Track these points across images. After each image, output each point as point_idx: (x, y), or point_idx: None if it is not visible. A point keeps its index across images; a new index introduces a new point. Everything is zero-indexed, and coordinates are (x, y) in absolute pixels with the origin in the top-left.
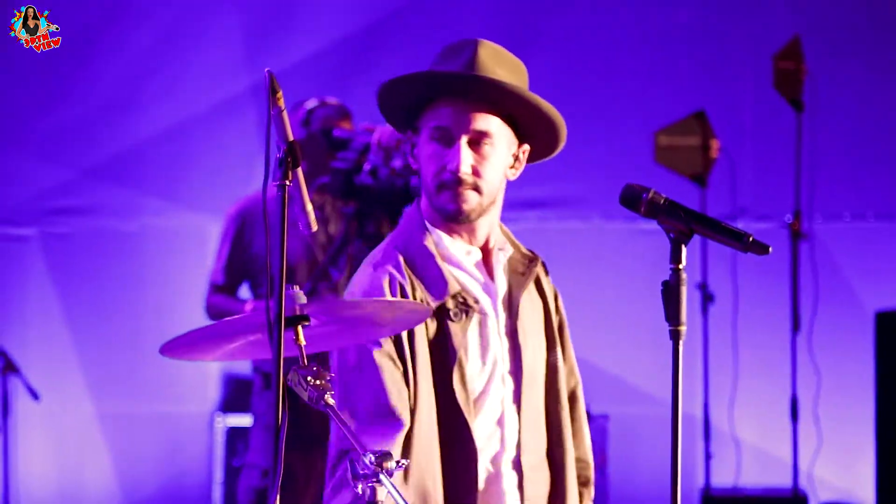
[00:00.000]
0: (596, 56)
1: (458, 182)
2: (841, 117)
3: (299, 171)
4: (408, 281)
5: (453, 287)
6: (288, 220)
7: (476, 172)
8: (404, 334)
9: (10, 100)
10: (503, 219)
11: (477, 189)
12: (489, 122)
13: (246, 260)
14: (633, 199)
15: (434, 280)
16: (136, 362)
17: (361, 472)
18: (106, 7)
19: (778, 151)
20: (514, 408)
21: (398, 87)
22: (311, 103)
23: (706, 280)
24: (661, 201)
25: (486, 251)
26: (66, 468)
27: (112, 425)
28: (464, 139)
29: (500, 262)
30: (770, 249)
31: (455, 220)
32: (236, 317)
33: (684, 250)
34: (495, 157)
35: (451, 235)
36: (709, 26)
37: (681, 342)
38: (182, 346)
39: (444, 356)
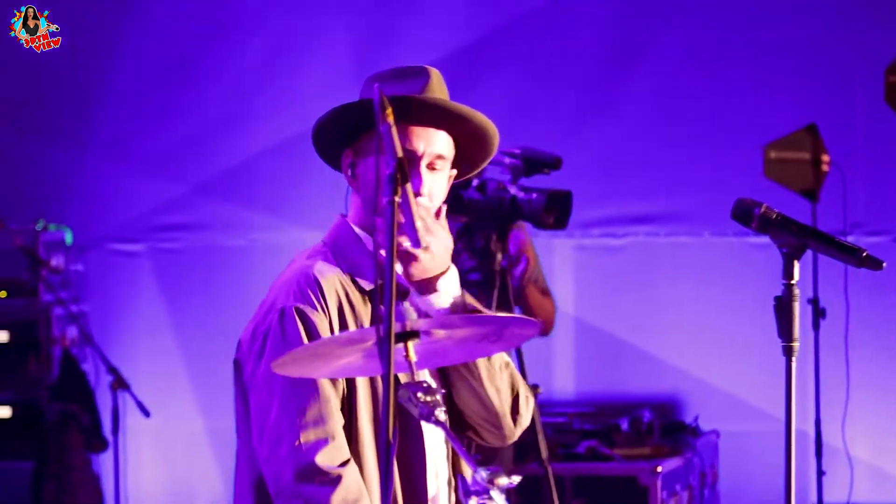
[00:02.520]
0: (705, 70)
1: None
2: None
3: (409, 186)
4: (335, 268)
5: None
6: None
7: (430, 195)
8: (337, 325)
9: (119, 117)
10: (611, 234)
11: (428, 212)
12: (447, 146)
13: None
14: (745, 214)
15: (366, 266)
16: None
17: (473, 488)
18: (214, 24)
19: (890, 165)
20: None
21: (360, 107)
22: None
23: (818, 295)
24: (774, 216)
25: None
26: (176, 484)
27: (222, 440)
28: (424, 162)
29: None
30: (884, 265)
31: None
32: (347, 333)
33: (797, 266)
34: (444, 179)
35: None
36: (819, 39)
37: (794, 358)
38: (293, 361)
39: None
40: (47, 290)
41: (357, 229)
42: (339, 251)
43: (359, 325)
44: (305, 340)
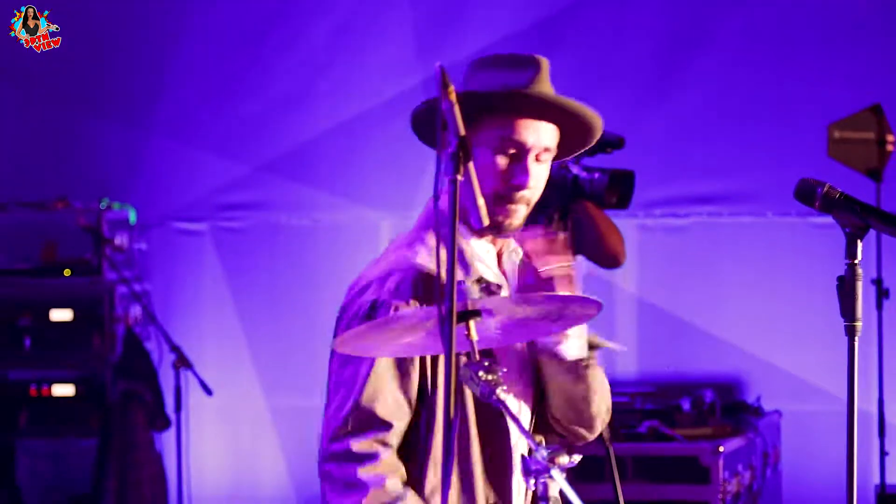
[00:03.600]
0: (768, 49)
1: (519, 197)
2: None
3: (471, 165)
4: (434, 258)
5: (476, 272)
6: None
7: (535, 187)
8: None
9: (184, 96)
10: (674, 214)
11: (529, 204)
12: (553, 138)
13: None
14: (808, 194)
15: (461, 262)
16: (308, 356)
17: (534, 467)
18: (278, 3)
19: None
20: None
21: (478, 97)
22: None
23: (881, 275)
24: (837, 195)
25: (499, 253)
26: (239, 462)
27: (285, 419)
28: (532, 154)
29: (511, 261)
30: None
31: (500, 231)
32: (408, 311)
33: (860, 245)
34: (548, 168)
35: (475, 233)
36: (884, 18)
37: (856, 338)
38: (355, 340)
39: None
40: (111, 269)
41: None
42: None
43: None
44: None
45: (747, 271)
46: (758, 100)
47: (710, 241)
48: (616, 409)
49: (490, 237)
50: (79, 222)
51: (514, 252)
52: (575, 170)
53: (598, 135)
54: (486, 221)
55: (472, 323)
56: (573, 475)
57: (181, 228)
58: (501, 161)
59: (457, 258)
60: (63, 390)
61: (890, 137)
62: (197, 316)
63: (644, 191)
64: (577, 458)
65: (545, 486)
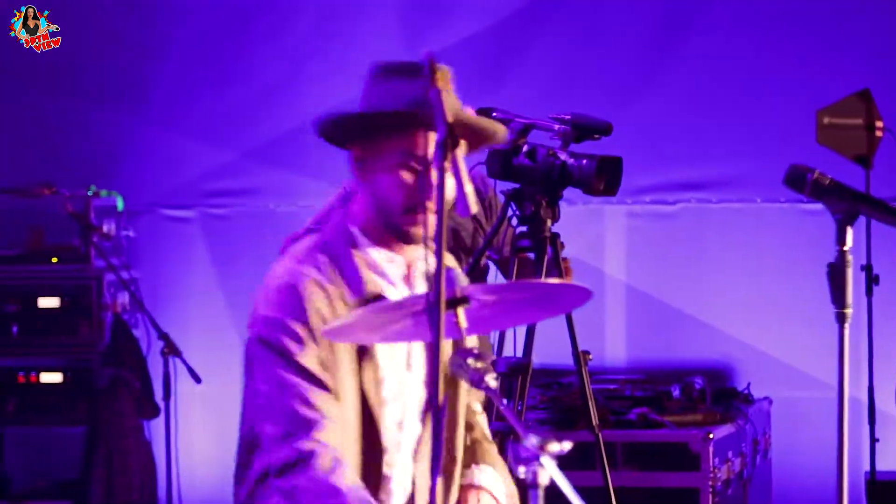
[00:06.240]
0: (759, 36)
1: (427, 208)
2: None
3: (459, 152)
4: (326, 277)
5: (371, 288)
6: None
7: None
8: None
9: (171, 82)
10: (662, 201)
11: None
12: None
13: None
14: (798, 180)
15: (353, 279)
16: None
17: (524, 455)
18: None
19: None
20: (418, 417)
21: (380, 118)
22: None
23: (871, 262)
24: (826, 182)
25: (409, 264)
26: (227, 450)
27: None
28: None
29: (419, 273)
30: None
31: (410, 242)
32: (397, 300)
33: (850, 232)
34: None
35: (377, 245)
36: (874, 3)
37: (846, 325)
38: (344, 328)
39: (362, 355)
40: (98, 256)
41: (357, 234)
42: (333, 257)
43: None
44: (294, 349)
45: (737, 258)
46: (747, 85)
47: (700, 228)
48: (606, 396)
49: (395, 249)
50: (66, 209)
51: (421, 262)
52: (563, 156)
53: (497, 134)
54: (473, 209)
55: (460, 310)
56: (562, 463)
57: (169, 215)
58: (406, 176)
59: (347, 271)
60: (51, 378)
61: (879, 123)
62: (185, 303)
63: (633, 177)
64: (567, 445)
65: (535, 473)
